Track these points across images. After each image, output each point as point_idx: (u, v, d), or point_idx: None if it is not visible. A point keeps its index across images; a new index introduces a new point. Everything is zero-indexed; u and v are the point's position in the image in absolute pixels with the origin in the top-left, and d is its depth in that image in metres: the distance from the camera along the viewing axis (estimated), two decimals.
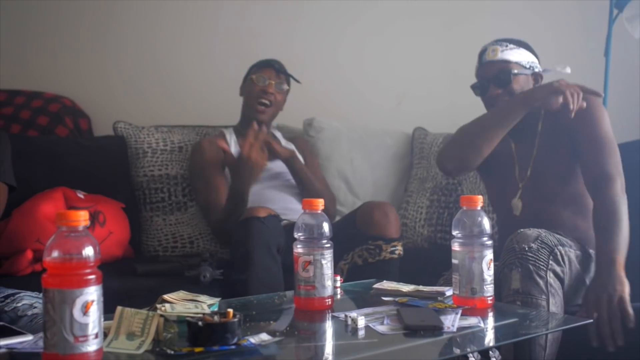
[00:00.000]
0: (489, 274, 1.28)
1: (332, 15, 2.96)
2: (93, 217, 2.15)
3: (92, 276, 0.93)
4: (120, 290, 1.77)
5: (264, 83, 2.33)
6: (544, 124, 1.87)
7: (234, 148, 2.36)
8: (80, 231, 0.95)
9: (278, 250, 1.84)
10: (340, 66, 2.97)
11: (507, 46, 1.86)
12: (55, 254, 0.93)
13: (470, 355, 1.13)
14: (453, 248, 1.30)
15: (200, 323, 1.01)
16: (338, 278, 1.52)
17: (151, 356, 0.99)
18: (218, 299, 1.27)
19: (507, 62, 1.84)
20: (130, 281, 1.86)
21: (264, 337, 1.06)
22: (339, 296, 1.48)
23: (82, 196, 2.21)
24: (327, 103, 2.90)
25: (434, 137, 2.73)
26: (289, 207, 2.20)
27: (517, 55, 1.85)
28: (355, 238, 1.93)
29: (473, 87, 1.94)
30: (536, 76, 1.90)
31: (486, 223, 1.29)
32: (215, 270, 1.74)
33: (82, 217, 0.95)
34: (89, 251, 0.94)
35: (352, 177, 2.71)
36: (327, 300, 1.30)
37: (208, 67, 2.90)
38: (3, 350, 1.02)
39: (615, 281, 1.53)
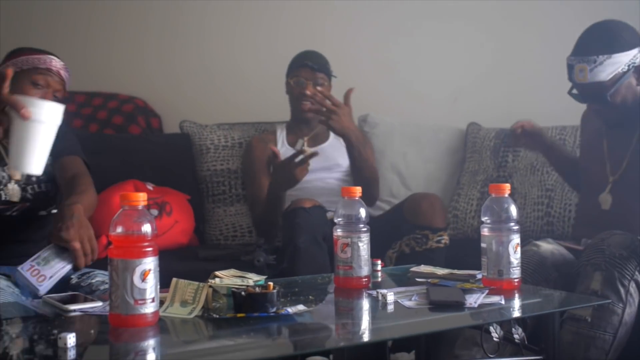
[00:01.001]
0: (515, 257, 1.36)
1: (386, 11, 3.05)
2: (160, 207, 2.34)
3: (150, 248, 1.08)
4: (182, 271, 1.92)
5: (302, 86, 2.40)
6: None
7: (282, 145, 2.48)
8: (140, 210, 1.10)
9: (324, 238, 1.96)
10: (395, 63, 3.06)
11: (595, 62, 1.76)
12: (119, 229, 1.08)
13: (493, 331, 1.21)
14: (482, 233, 1.39)
15: (243, 293, 1.14)
16: (379, 262, 1.63)
17: (200, 320, 1.14)
18: (265, 277, 1.41)
19: (600, 84, 1.78)
20: (192, 265, 2.03)
21: (300, 307, 1.18)
22: (379, 278, 1.59)
23: (151, 188, 2.41)
24: (381, 100, 2.99)
25: (487, 132, 2.78)
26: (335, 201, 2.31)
27: (610, 67, 1.76)
28: (403, 228, 2.03)
29: (571, 94, 1.89)
30: (638, 69, 1.81)
31: (513, 210, 1.37)
32: (269, 256, 1.88)
33: (141, 198, 1.10)
34: (147, 227, 1.09)
35: (405, 170, 2.80)
36: (363, 279, 1.42)
37: (267, 65, 2.99)
38: (78, 312, 1.18)
39: None
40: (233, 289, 1.16)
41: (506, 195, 1.39)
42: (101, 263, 2.08)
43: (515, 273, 1.36)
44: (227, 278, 1.33)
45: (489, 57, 3.01)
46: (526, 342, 1.32)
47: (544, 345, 1.26)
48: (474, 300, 1.22)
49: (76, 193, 1.54)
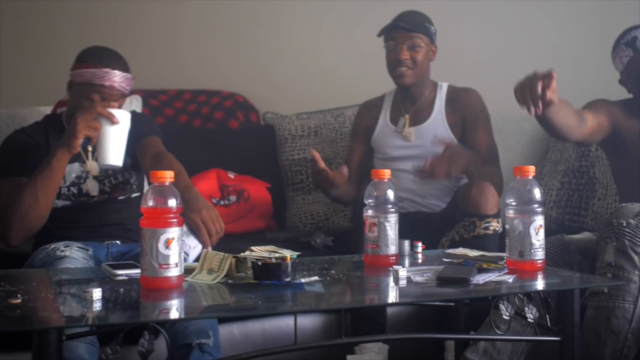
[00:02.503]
0: (537, 238, 1.36)
1: None
2: (239, 194, 2.51)
3: (174, 220, 1.23)
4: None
5: (395, 50, 2.23)
6: None
7: (384, 122, 2.41)
8: (166, 186, 1.24)
9: None
10: (481, 54, 3.03)
11: None
12: (149, 202, 1.24)
13: (503, 309, 1.24)
14: (506, 214, 1.40)
15: (259, 263, 1.26)
16: (419, 244, 1.68)
17: (221, 285, 1.27)
18: (298, 253, 1.51)
19: None
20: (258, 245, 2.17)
21: (314, 278, 1.28)
22: (419, 260, 1.64)
23: (232, 176, 2.60)
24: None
25: None
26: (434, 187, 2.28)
27: None
28: (457, 216, 2.04)
29: (623, 81, 1.88)
30: None
31: (537, 191, 1.38)
32: (327, 238, 1.98)
33: (167, 175, 1.24)
34: (172, 202, 1.23)
35: None
36: (391, 257, 1.48)
37: (353, 47, 3.05)
38: (124, 277, 1.36)
39: None
40: (253, 260, 1.28)
41: (530, 177, 1.39)
42: None
43: (538, 254, 1.36)
44: (258, 252, 1.45)
45: (583, 38, 2.89)
46: (548, 324, 1.32)
47: (561, 326, 1.26)
48: (482, 278, 1.25)
49: (177, 175, 1.63)
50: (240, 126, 3.05)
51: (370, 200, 1.50)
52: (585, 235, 1.84)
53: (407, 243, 1.66)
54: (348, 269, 1.50)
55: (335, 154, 2.76)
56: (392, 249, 1.48)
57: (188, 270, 1.33)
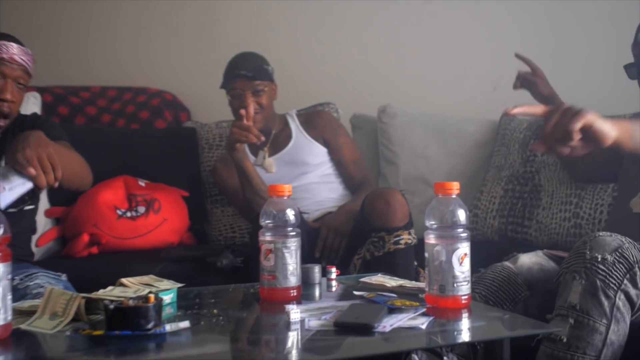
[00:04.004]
0: (461, 269, 1.13)
1: None
2: (149, 204, 2.23)
3: None
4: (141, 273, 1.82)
5: (240, 99, 2.15)
6: None
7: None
8: None
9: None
10: (423, 49, 2.82)
11: None
12: None
13: (416, 359, 1.00)
14: (425, 240, 1.17)
15: (111, 306, 0.99)
16: (333, 270, 1.44)
17: (57, 336, 1.00)
18: (180, 285, 1.25)
19: None
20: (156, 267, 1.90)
21: (183, 324, 1.02)
22: (334, 288, 1.40)
23: (143, 184, 2.31)
24: (405, 89, 2.77)
25: (519, 123, 2.50)
26: (319, 199, 2.13)
27: None
28: (364, 230, 1.82)
29: (629, 66, 1.64)
30: None
31: (462, 213, 1.14)
32: (236, 258, 1.73)
33: None
34: None
35: (424, 164, 2.57)
36: (291, 291, 1.23)
37: (298, 58, 2.87)
38: None
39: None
40: (105, 302, 1.02)
41: (454, 196, 1.16)
42: (82, 263, 2.04)
43: (462, 289, 1.13)
44: (131, 286, 1.19)
45: (533, 41, 2.71)
46: None
47: None
48: (391, 322, 1.01)
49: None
50: (169, 127, 2.80)
51: (267, 221, 1.25)
52: (535, 258, 1.58)
53: (317, 269, 1.41)
54: (237, 306, 1.25)
55: None
56: (292, 281, 1.23)
57: (29, 312, 1.06)
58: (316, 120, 2.32)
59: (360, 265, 1.82)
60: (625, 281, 1.29)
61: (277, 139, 2.28)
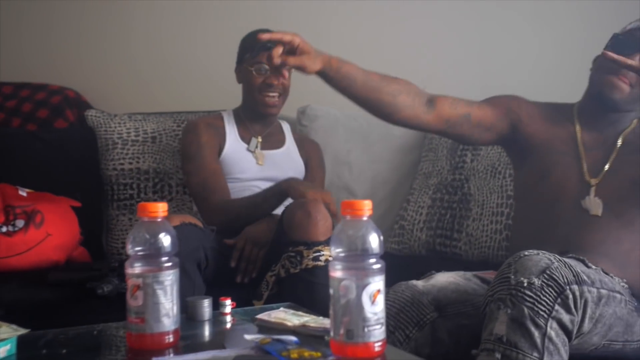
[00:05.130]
0: (373, 310, 0.91)
1: None
2: (29, 217, 1.93)
3: None
4: (14, 301, 1.54)
5: (266, 74, 1.97)
6: None
7: (234, 139, 2.06)
8: None
9: (198, 263, 1.57)
10: (347, 49, 2.60)
11: None
12: None
13: None
14: (330, 273, 0.94)
15: None
16: (228, 302, 1.20)
17: None
18: (24, 331, 0.98)
19: None
20: (34, 292, 1.62)
21: None
22: (228, 325, 1.17)
23: (24, 194, 2.01)
24: (327, 89, 2.55)
25: None
26: None
27: None
28: (282, 243, 1.61)
29: (615, 36, 1.49)
30: None
31: (373, 240, 0.92)
32: (122, 283, 1.46)
33: None
34: None
35: (347, 171, 2.36)
36: (165, 337, 0.98)
37: (212, 51, 2.64)
38: None
39: None
40: None
41: (365, 218, 0.94)
42: None
43: (375, 334, 0.91)
44: None
45: (466, 40, 2.55)
46: None
47: None
48: None
49: None
50: (70, 127, 2.50)
51: (136, 248, 0.99)
52: (453, 277, 1.40)
53: (207, 303, 1.17)
54: (93, 358, 0.99)
55: (176, 167, 2.24)
56: (167, 324, 0.99)
57: None
58: (307, 145, 2.18)
59: (274, 283, 1.60)
60: (557, 307, 1.14)
61: (270, 137, 2.10)
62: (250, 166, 2.02)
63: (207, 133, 2.03)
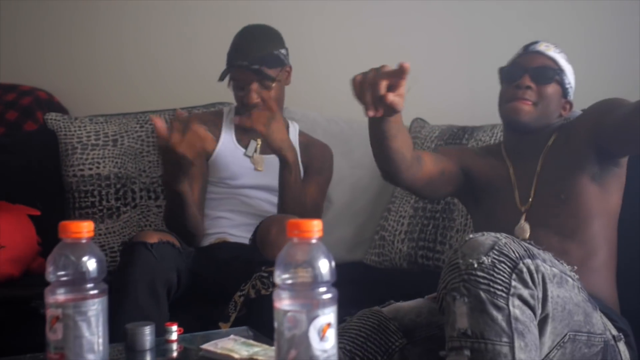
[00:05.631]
0: (322, 347, 0.79)
1: None
2: None
3: None
4: None
5: (243, 92, 1.83)
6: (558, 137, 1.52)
7: (227, 136, 1.93)
8: None
9: (169, 288, 1.46)
10: (326, 50, 2.50)
11: (561, 53, 1.56)
12: None
13: None
14: (274, 304, 0.83)
15: None
16: (174, 329, 1.08)
17: None
18: None
19: (555, 62, 1.53)
20: None
21: None
22: (174, 353, 1.05)
23: None
24: (305, 91, 2.43)
25: (431, 130, 2.21)
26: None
27: (566, 67, 1.55)
28: (254, 262, 1.49)
29: (501, 69, 1.56)
30: (568, 103, 1.57)
31: (323, 265, 0.80)
32: None
33: None
34: None
35: None
36: None
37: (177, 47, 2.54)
38: None
39: None
40: None
41: (314, 240, 0.82)
42: None
43: None
44: None
45: (452, 41, 2.44)
46: None
47: None
48: None
49: None
50: (35, 131, 2.39)
51: (58, 273, 0.87)
52: (414, 303, 1.31)
53: (148, 330, 1.05)
54: None
55: (139, 170, 2.13)
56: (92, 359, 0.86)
57: None
58: (314, 149, 1.99)
59: (243, 304, 1.48)
60: (514, 282, 1.05)
61: None
62: (244, 172, 1.88)
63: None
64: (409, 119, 2.31)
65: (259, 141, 1.91)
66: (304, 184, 1.87)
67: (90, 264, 0.87)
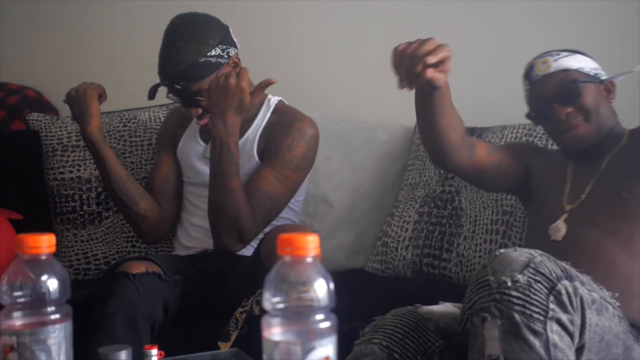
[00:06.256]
0: None
1: None
2: None
3: None
4: None
5: (178, 105, 1.73)
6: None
7: (193, 137, 1.78)
8: None
9: (152, 324, 1.32)
10: (326, 49, 2.37)
11: (559, 54, 1.45)
12: None
13: None
14: (262, 332, 0.70)
15: None
16: (154, 352, 0.96)
17: None
18: None
19: (566, 71, 1.42)
20: None
21: None
22: None
23: None
24: (300, 88, 2.31)
25: None
26: None
27: (576, 62, 1.44)
28: (259, 276, 1.36)
29: (529, 116, 1.49)
30: (608, 86, 1.46)
31: (321, 288, 0.68)
32: None
33: None
34: None
35: (325, 180, 2.12)
36: None
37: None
38: None
39: None
40: None
41: (309, 259, 0.70)
42: None
43: None
44: None
45: (459, 36, 2.31)
46: None
47: None
48: None
49: None
50: (20, 131, 2.27)
51: (13, 294, 0.75)
52: (445, 308, 1.19)
53: (124, 355, 0.93)
54: None
55: None
56: None
57: None
58: (281, 127, 1.67)
59: (244, 321, 1.35)
60: (551, 305, 0.94)
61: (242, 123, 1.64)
62: (202, 169, 1.70)
63: (169, 122, 1.86)
64: (413, 120, 2.19)
65: None
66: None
67: (51, 283, 0.75)
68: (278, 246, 0.69)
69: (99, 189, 1.97)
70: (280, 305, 0.69)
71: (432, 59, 1.09)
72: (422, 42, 1.11)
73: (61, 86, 2.48)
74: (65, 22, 2.47)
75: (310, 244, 0.69)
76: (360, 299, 1.65)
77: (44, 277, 0.75)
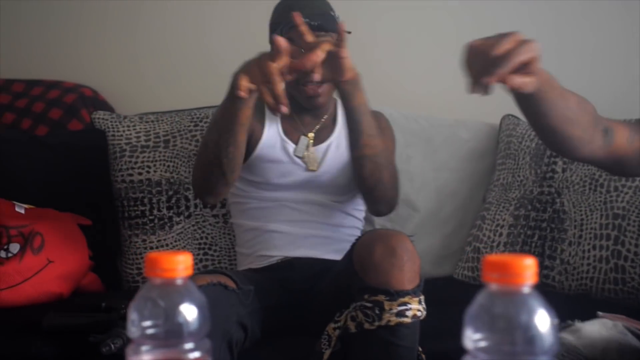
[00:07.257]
0: None
1: None
2: (26, 241, 1.58)
3: None
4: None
5: (300, 57, 1.51)
6: None
7: (275, 133, 1.58)
8: None
9: (229, 341, 1.17)
10: (408, 41, 2.23)
11: None
12: None
13: None
14: None
15: None
16: None
17: None
18: None
19: None
20: (23, 343, 1.26)
21: None
22: None
23: (22, 211, 1.66)
24: (380, 84, 2.16)
25: (528, 128, 1.92)
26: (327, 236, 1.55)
27: None
28: (352, 285, 1.22)
29: None
30: None
31: (542, 323, 0.54)
32: None
33: None
34: None
35: (408, 181, 1.97)
36: None
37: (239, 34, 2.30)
38: None
39: None
40: None
41: (526, 289, 0.55)
42: None
43: None
44: None
45: (541, 28, 2.16)
46: None
47: None
48: None
49: None
50: (82, 130, 2.20)
51: (143, 324, 0.62)
52: (606, 331, 1.02)
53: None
54: None
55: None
56: None
57: None
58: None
59: (338, 338, 1.20)
60: None
61: (322, 129, 1.59)
62: (287, 170, 1.56)
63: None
64: (497, 117, 2.04)
65: (311, 135, 1.59)
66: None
67: (189, 312, 0.61)
68: (484, 270, 0.55)
69: (170, 192, 1.85)
70: (485, 344, 0.55)
71: (512, 63, 0.88)
72: (501, 38, 0.90)
73: (115, 84, 2.42)
74: (117, 19, 2.40)
75: (528, 270, 0.54)
76: (449, 311, 1.50)
77: (181, 306, 0.61)
